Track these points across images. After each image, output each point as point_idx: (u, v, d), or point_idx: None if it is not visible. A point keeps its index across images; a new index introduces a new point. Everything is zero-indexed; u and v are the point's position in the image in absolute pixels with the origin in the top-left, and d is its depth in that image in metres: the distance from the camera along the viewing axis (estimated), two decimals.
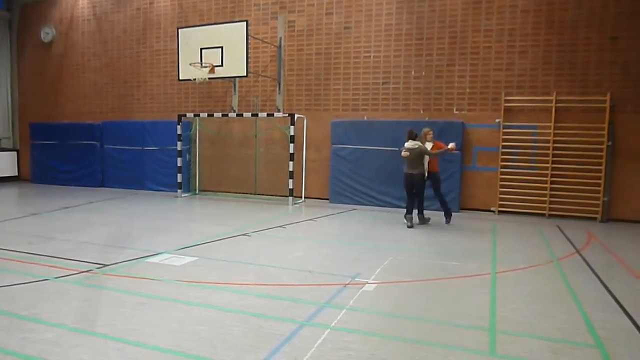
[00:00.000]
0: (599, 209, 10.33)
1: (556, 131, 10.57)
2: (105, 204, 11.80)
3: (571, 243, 8.04)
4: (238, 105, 12.97)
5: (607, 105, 10.15)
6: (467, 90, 11.37)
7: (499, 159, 10.98)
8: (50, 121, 16.16)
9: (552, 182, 10.65)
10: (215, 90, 13.94)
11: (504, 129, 10.94)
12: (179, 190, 13.13)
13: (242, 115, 12.43)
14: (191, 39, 11.92)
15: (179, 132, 13.02)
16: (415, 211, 9.50)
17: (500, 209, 11.05)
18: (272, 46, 12.71)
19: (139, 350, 3.72)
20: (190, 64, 11.80)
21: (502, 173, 11.00)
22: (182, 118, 13.07)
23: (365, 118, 12.16)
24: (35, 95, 16.77)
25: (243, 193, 13.47)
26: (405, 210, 9.43)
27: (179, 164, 13.11)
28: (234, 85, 12.83)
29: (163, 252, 6.79)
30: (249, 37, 11.52)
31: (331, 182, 12.38)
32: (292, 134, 11.78)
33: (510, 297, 5.16)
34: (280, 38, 12.42)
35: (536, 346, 3.93)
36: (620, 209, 10.34)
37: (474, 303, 4.96)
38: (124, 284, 5.36)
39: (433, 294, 5.25)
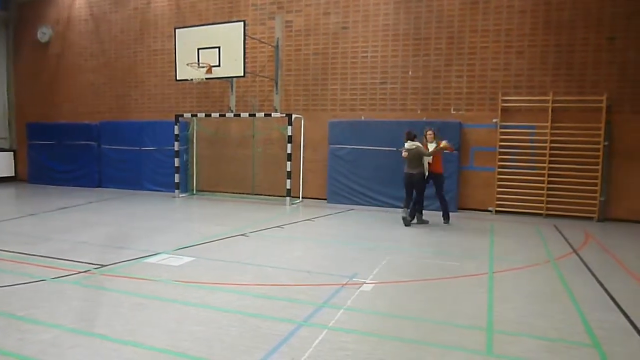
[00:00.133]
0: (596, 208, 10.36)
1: (553, 131, 10.59)
2: (103, 204, 11.78)
3: (568, 243, 8.06)
4: (235, 105, 12.97)
5: (604, 105, 10.18)
6: (465, 90, 11.39)
7: (497, 159, 11.00)
8: (48, 121, 16.12)
9: (549, 182, 10.67)
10: (213, 90, 13.93)
11: (501, 129, 10.96)
12: (176, 191, 13.12)
13: (239, 115, 12.42)
14: (188, 39, 11.90)
15: (176, 132, 13.01)
16: (414, 208, 9.55)
17: (497, 208, 11.07)
18: (270, 46, 12.70)
19: (136, 350, 3.72)
20: (187, 64, 11.79)
21: (500, 173, 11.03)
22: (180, 118, 13.06)
23: (363, 118, 12.17)
24: (32, 95, 16.72)
25: (241, 193, 13.46)
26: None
27: (176, 164, 13.09)
28: (232, 85, 12.82)
29: (161, 253, 6.79)
30: (247, 37, 11.51)
31: (329, 182, 12.38)
32: (289, 134, 11.78)
33: (508, 297, 5.17)
34: (278, 38, 12.41)
35: (533, 346, 3.94)
36: (617, 209, 10.37)
37: (471, 303, 4.97)
38: (122, 284, 5.36)
39: (431, 294, 5.26)
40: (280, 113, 12.26)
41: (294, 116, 11.95)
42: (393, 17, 11.88)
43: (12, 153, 17.02)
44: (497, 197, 11.07)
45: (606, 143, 10.26)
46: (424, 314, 4.62)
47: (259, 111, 12.98)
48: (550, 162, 10.64)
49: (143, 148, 14.34)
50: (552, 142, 10.61)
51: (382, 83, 12.08)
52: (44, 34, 16.16)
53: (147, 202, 12.24)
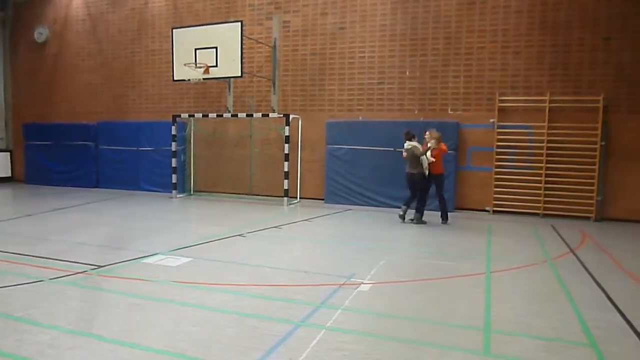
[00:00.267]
0: (593, 208, 10.40)
1: (550, 131, 10.62)
2: (100, 204, 11.76)
3: (565, 242, 8.08)
4: (233, 105, 12.97)
5: (601, 105, 10.22)
6: (462, 90, 11.41)
7: (494, 159, 11.03)
8: (45, 121, 16.08)
9: (546, 182, 10.70)
10: (210, 90, 13.92)
11: (498, 129, 10.98)
12: (174, 191, 13.10)
13: (237, 115, 12.42)
14: (186, 39, 11.89)
15: (174, 132, 12.99)
16: (415, 206, 9.65)
17: (495, 208, 11.09)
18: (267, 46, 12.70)
19: (133, 351, 3.72)
20: (185, 65, 11.78)
21: (497, 173, 11.05)
22: (177, 118, 13.04)
23: (360, 118, 12.18)
24: (29, 96, 16.68)
25: (238, 194, 13.45)
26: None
27: (174, 165, 13.08)
28: (229, 85, 12.81)
29: (158, 253, 6.78)
30: (244, 37, 11.51)
31: (326, 183, 12.39)
32: (287, 134, 11.78)
33: (505, 297, 5.18)
34: (275, 38, 12.41)
35: (530, 345, 3.96)
36: (614, 209, 10.41)
37: (469, 303, 4.98)
38: (119, 285, 5.35)
39: (428, 294, 5.27)
40: (278, 113, 12.26)
41: (291, 116, 11.95)
42: (390, 17, 11.89)
43: (8, 153, 16.99)
44: (495, 197, 11.09)
45: (603, 143, 10.29)
46: (421, 314, 4.63)
47: (257, 111, 12.98)
48: (547, 162, 10.67)
49: (141, 148, 14.32)
50: (549, 142, 10.64)
51: (379, 83, 12.09)
52: (40, 34, 16.12)
53: (144, 202, 12.22)
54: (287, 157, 11.87)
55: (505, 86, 11.06)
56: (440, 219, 9.70)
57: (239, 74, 11.48)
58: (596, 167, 10.34)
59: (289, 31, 12.82)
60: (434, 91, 11.64)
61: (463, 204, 11.40)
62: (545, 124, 10.61)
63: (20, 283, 5.33)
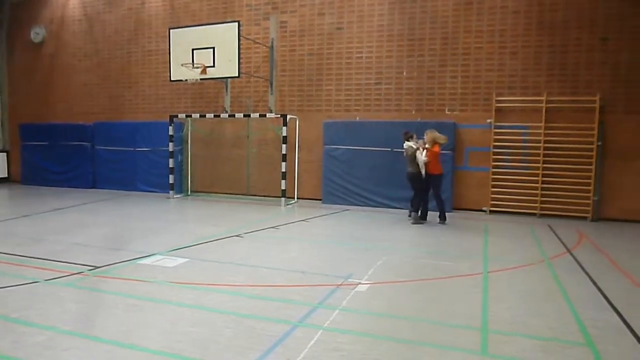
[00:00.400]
0: (590, 208, 10.43)
1: (547, 131, 10.64)
2: (97, 205, 11.73)
3: (562, 242, 8.10)
4: (230, 105, 12.95)
5: (597, 105, 10.25)
6: (459, 90, 11.43)
7: (491, 159, 11.05)
8: (41, 122, 16.02)
9: (543, 182, 10.73)
10: (208, 91, 13.90)
11: (495, 129, 11.00)
12: (171, 192, 13.07)
13: (234, 116, 12.40)
14: (183, 40, 11.86)
15: (171, 132, 12.96)
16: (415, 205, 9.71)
17: (492, 208, 11.11)
18: (265, 47, 12.69)
19: (131, 352, 3.71)
20: (182, 65, 11.75)
21: (494, 173, 11.07)
22: (174, 119, 13.01)
23: (358, 119, 12.18)
24: (25, 96, 16.62)
25: (235, 194, 13.43)
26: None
27: (171, 165, 13.04)
28: (226, 86, 12.79)
29: (155, 254, 6.76)
30: (241, 37, 11.49)
31: (324, 183, 12.38)
32: (284, 134, 11.76)
33: (503, 297, 5.19)
34: (273, 39, 12.40)
35: (528, 345, 3.96)
36: (610, 209, 10.44)
37: (466, 303, 4.99)
38: (116, 285, 5.34)
39: (426, 294, 5.27)
40: (275, 113, 12.25)
41: (288, 117, 11.94)
42: (387, 17, 11.90)
43: (5, 154, 16.91)
44: (492, 197, 11.11)
45: (599, 143, 10.32)
46: (419, 314, 4.63)
47: (254, 112, 12.96)
48: (544, 162, 10.69)
49: (137, 149, 14.28)
50: (545, 142, 10.66)
51: (376, 83, 12.10)
52: (37, 34, 16.06)
53: (141, 203, 12.19)
54: (284, 158, 11.86)
55: (502, 86, 11.08)
56: (438, 219, 9.71)
57: (236, 74, 11.46)
58: (593, 167, 10.37)
59: (286, 31, 12.82)
60: (431, 91, 11.66)
61: (460, 204, 11.42)
62: (542, 124, 10.63)
63: (16, 284, 5.31)
